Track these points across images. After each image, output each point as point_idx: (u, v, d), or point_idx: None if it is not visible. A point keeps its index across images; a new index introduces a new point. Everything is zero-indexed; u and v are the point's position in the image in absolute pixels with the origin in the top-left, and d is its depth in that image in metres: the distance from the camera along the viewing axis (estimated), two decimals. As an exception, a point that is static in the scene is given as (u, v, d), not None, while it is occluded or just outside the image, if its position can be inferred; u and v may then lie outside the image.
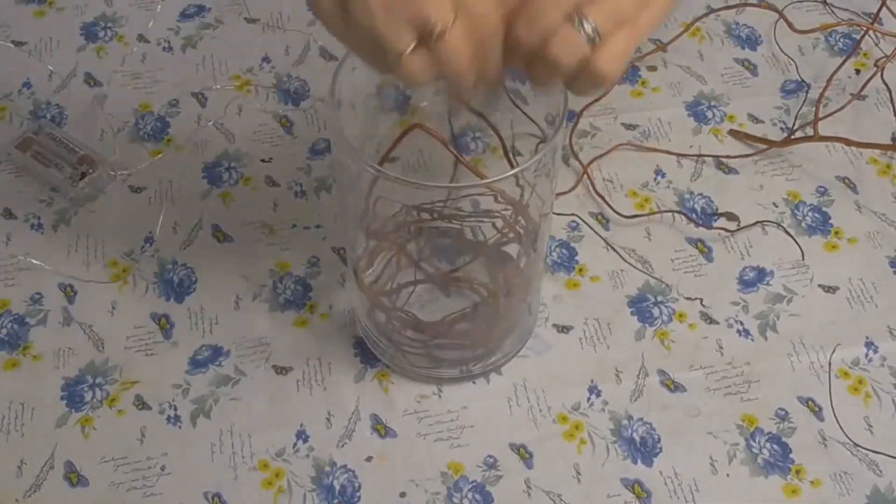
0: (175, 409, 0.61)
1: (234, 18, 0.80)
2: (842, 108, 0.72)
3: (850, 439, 0.59)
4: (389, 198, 0.54)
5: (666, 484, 0.58)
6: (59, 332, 0.64)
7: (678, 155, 0.71)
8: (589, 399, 0.61)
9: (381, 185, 0.52)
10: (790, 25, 0.75)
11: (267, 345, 0.63)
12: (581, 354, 0.63)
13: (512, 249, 0.59)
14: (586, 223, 0.68)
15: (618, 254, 0.67)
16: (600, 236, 0.68)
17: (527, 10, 0.46)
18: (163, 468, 0.59)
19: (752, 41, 0.78)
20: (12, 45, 0.78)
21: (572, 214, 0.68)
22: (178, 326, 0.64)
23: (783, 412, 0.61)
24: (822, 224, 0.69)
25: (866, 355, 0.63)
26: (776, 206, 0.69)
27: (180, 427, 0.60)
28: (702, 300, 0.65)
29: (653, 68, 0.77)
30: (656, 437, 0.60)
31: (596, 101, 0.74)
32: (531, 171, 0.50)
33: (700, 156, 0.71)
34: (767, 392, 0.61)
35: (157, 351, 0.63)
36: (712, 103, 0.75)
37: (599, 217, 0.69)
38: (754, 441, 0.60)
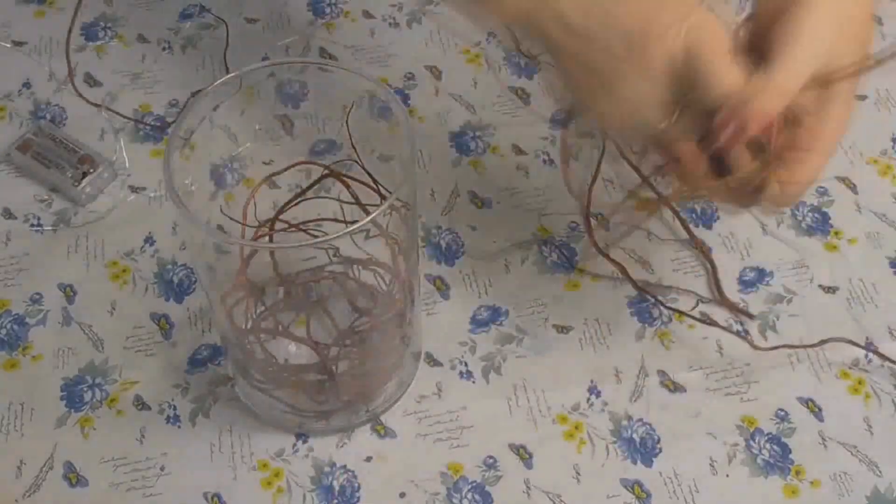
0: (174, 408, 0.61)
1: (235, 18, 0.79)
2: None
3: (850, 440, 0.59)
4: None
5: (666, 484, 0.58)
6: (59, 332, 0.64)
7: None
8: (589, 399, 0.61)
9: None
10: None
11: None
12: (581, 355, 0.63)
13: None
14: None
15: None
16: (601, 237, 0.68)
17: None
18: (162, 468, 0.59)
19: (752, 41, 0.78)
20: (12, 45, 0.78)
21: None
22: (178, 326, 0.64)
23: (783, 413, 0.61)
24: (822, 224, 0.69)
25: (866, 355, 0.63)
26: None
27: (180, 427, 0.60)
28: (701, 300, 0.65)
29: (653, 68, 0.77)
30: (656, 437, 0.60)
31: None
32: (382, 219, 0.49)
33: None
34: (767, 392, 0.61)
35: (157, 351, 0.63)
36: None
37: (600, 218, 0.69)
38: (754, 441, 0.60)
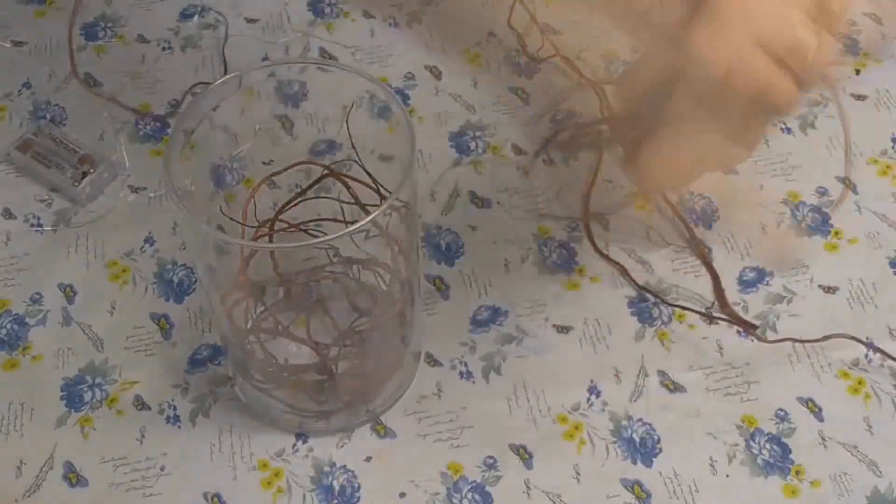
0: (174, 408, 0.61)
1: (235, 18, 0.79)
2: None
3: (850, 440, 0.59)
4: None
5: (666, 484, 0.58)
6: (59, 332, 0.64)
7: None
8: (588, 399, 0.61)
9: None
10: None
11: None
12: (581, 355, 0.63)
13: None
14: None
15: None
16: (600, 236, 0.68)
17: None
18: (162, 468, 0.59)
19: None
20: (12, 45, 0.78)
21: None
22: (178, 326, 0.64)
23: (783, 412, 0.61)
24: (821, 224, 0.69)
25: (866, 355, 0.63)
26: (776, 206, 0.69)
27: (180, 427, 0.60)
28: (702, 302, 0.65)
29: (653, 68, 0.77)
30: (656, 437, 0.60)
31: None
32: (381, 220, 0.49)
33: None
34: (767, 392, 0.61)
35: (157, 351, 0.63)
36: (712, 103, 0.75)
37: (600, 217, 0.69)
38: (754, 441, 0.60)
